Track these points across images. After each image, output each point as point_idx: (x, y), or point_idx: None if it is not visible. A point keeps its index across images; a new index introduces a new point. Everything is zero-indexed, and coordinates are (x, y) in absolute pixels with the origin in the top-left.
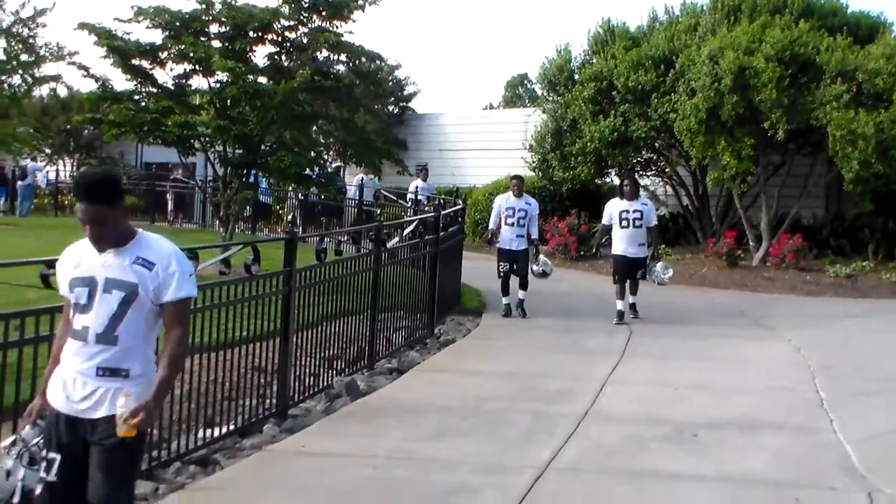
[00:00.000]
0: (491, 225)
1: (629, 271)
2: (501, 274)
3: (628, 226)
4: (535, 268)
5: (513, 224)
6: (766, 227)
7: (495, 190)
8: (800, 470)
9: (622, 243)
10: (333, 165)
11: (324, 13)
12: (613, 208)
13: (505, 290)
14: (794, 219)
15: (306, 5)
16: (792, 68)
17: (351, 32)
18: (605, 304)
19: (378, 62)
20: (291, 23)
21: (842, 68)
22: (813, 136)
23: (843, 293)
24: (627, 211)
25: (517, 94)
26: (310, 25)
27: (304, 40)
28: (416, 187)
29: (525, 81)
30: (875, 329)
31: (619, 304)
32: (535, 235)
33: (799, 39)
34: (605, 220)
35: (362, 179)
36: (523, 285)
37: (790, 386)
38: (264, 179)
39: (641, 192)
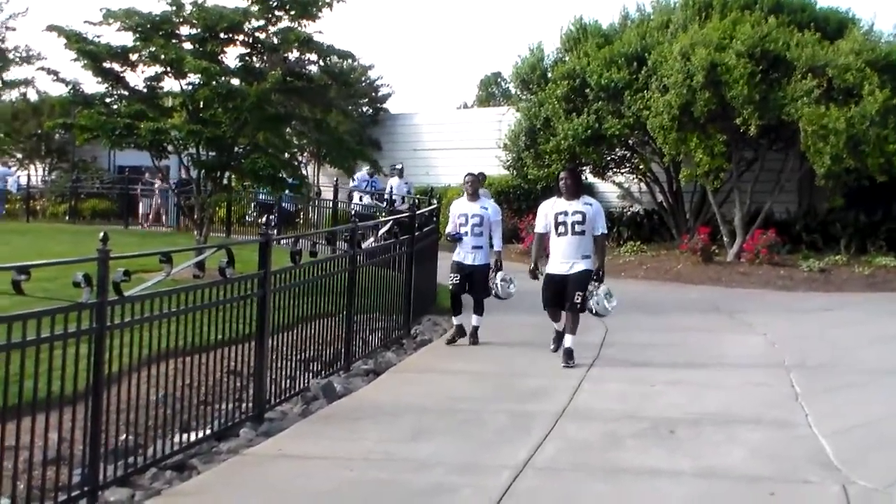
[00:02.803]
0: (448, 229)
1: (560, 296)
2: (452, 289)
3: (565, 232)
4: (491, 286)
5: (466, 233)
6: (739, 223)
7: None
8: (775, 464)
9: (556, 256)
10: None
11: (292, 12)
12: (548, 210)
13: (455, 308)
14: (768, 214)
15: (275, 4)
16: (763, 64)
17: (320, 32)
18: None
19: (350, 61)
20: (261, 23)
21: (812, 64)
22: (785, 132)
23: (816, 287)
24: (565, 213)
25: (491, 92)
26: (279, 25)
27: (275, 40)
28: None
29: (499, 80)
30: (849, 322)
31: (557, 326)
32: (497, 247)
33: (769, 35)
34: (538, 228)
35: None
36: (478, 308)
37: (765, 380)
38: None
39: (614, 192)
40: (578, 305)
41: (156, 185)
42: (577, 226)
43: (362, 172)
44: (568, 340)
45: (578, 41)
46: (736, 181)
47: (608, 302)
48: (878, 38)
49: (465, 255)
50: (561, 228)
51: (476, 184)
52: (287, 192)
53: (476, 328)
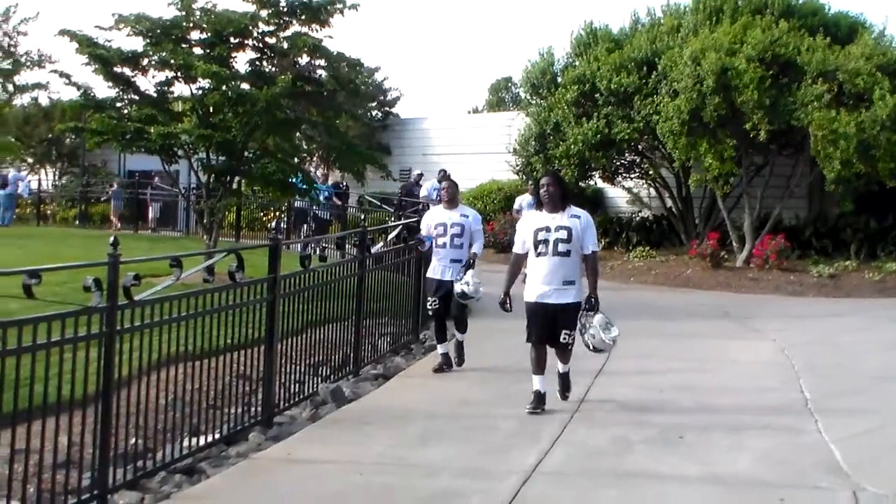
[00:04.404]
0: (423, 231)
1: (550, 329)
2: (431, 312)
3: (546, 252)
4: (456, 287)
5: (445, 245)
6: (749, 228)
7: (479, 194)
8: (785, 470)
9: (538, 282)
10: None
11: (302, 17)
12: (527, 226)
13: (440, 335)
14: (777, 219)
15: (284, 9)
16: (773, 69)
17: (330, 37)
18: None
19: (358, 68)
20: (271, 28)
21: (822, 69)
22: (794, 137)
23: (826, 293)
24: (547, 229)
25: (501, 97)
26: (289, 30)
27: (285, 45)
28: (521, 205)
29: (509, 85)
30: (858, 328)
31: (536, 382)
32: (476, 250)
33: (780, 40)
34: (517, 248)
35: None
36: (461, 325)
37: (775, 386)
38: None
39: (624, 196)
40: (568, 340)
41: (111, 189)
42: (560, 244)
43: (432, 181)
44: (560, 366)
45: (589, 46)
46: (745, 186)
47: (606, 333)
48: (890, 42)
49: (444, 269)
50: (541, 247)
51: (453, 189)
52: (297, 196)
53: (460, 343)
